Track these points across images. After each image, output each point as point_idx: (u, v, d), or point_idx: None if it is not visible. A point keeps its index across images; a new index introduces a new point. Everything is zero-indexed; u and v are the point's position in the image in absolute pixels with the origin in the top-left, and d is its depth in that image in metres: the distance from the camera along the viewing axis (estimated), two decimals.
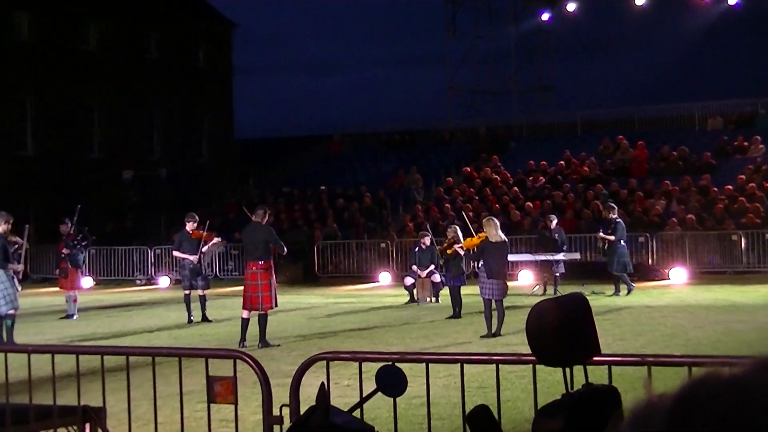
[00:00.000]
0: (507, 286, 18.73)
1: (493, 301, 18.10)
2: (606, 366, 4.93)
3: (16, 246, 19.14)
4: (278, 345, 17.46)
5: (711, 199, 34.39)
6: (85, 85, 48.80)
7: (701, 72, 73.38)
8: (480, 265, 18.77)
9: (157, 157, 51.81)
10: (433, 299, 25.23)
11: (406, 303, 25.30)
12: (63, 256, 24.06)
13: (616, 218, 26.35)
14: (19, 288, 18.77)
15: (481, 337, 17.98)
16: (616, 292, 25.67)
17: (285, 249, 18.70)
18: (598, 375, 3.90)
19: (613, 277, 26.00)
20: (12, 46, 46.43)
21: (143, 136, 52.02)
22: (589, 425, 3.16)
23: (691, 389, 1.36)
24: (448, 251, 22.58)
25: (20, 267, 18.84)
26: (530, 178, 40.12)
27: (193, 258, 22.48)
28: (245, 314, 17.88)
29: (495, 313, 18.10)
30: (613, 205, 27.82)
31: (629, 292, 25.53)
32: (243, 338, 17.60)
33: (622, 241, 26.10)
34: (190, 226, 22.84)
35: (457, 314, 21.57)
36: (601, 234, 26.47)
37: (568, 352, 3.24)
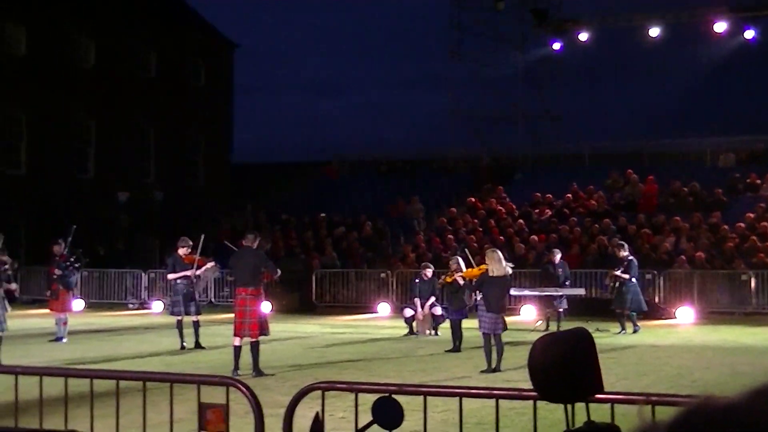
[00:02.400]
0: (504, 321, 18.56)
1: (492, 335, 17.89)
2: (609, 404, 4.81)
3: (6, 266, 19.30)
4: (273, 374, 17.25)
5: (721, 237, 33.73)
6: (81, 103, 47.88)
7: (714, 106, 72.99)
8: (480, 298, 18.67)
9: (152, 178, 51.10)
10: (433, 332, 24.97)
11: (404, 335, 25.06)
12: (54, 277, 23.91)
13: (628, 256, 25.84)
14: (9, 309, 18.95)
15: (481, 372, 17.70)
16: (622, 330, 25.34)
17: (278, 271, 18.82)
18: (600, 414, 3.77)
19: (617, 316, 25.67)
20: (8, 60, 45.50)
21: (138, 157, 51.14)
22: None
23: (686, 417, 1.30)
24: (448, 279, 22.39)
25: (15, 286, 19.15)
26: (536, 211, 39.30)
27: (190, 273, 22.19)
28: (237, 341, 17.79)
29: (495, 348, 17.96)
30: (622, 242, 27.28)
31: (635, 331, 25.22)
32: (236, 366, 17.43)
33: (634, 279, 25.67)
34: (182, 251, 22.57)
35: (456, 348, 21.37)
36: (617, 273, 25.70)
37: (570, 388, 3.17)
